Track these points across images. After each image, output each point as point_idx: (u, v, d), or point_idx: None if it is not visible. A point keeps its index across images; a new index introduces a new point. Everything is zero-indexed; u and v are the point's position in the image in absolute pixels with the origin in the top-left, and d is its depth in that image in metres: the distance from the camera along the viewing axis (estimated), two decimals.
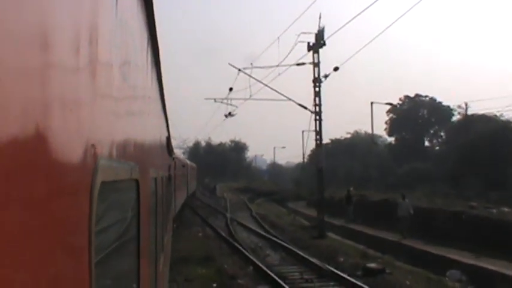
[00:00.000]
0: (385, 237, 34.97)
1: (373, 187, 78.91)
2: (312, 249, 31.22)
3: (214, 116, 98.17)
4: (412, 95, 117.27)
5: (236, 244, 32.85)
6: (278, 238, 35.68)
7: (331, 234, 38.81)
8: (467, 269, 24.98)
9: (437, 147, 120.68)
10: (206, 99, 46.93)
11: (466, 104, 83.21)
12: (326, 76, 37.50)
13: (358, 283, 21.55)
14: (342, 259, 27.46)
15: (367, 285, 21.64)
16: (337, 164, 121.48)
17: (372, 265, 24.99)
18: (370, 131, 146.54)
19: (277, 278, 22.88)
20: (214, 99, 44.85)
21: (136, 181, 3.78)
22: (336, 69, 36.36)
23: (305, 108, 38.89)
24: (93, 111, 2.25)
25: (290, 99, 39.78)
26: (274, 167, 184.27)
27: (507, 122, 79.02)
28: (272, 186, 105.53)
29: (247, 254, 29.20)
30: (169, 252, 15.11)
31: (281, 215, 56.26)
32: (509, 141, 74.11)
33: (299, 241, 34.93)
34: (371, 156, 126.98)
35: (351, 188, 59.52)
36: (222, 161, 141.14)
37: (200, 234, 38.76)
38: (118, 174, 2.91)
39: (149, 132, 6.02)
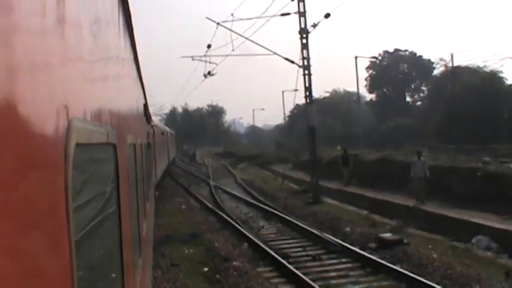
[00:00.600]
0: (389, 200, 31.40)
1: (359, 146, 75.83)
2: (310, 218, 27.70)
3: (191, 78, 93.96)
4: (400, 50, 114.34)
5: (225, 216, 29.24)
6: (270, 206, 32.15)
7: (327, 200, 35.27)
8: (495, 234, 21.38)
9: (419, 102, 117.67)
10: (183, 57, 42.94)
11: (452, 56, 78.84)
12: (315, 25, 33.67)
13: (380, 260, 18.05)
14: (348, 229, 23.89)
15: (386, 259, 18.24)
16: (317, 124, 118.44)
17: (387, 235, 21.41)
18: (349, 89, 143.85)
19: (279, 257, 19.32)
20: (192, 57, 40.82)
21: (114, 146, 3.76)
22: (327, 16, 32.51)
23: (292, 62, 35.10)
24: (64, 72, 2.24)
25: (275, 53, 35.99)
26: (253, 130, 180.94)
27: (493, 73, 75.49)
28: (253, 149, 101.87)
29: (239, 227, 25.62)
30: (152, 218, 15.14)
31: (268, 179, 52.67)
32: (498, 93, 71.00)
33: (294, 209, 31.40)
34: (352, 114, 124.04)
35: (338, 147, 56.72)
36: (200, 127, 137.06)
37: (184, 206, 35.08)
38: (93, 137, 2.82)
39: (125, 97, 5.93)
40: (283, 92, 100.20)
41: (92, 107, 2.89)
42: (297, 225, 25.43)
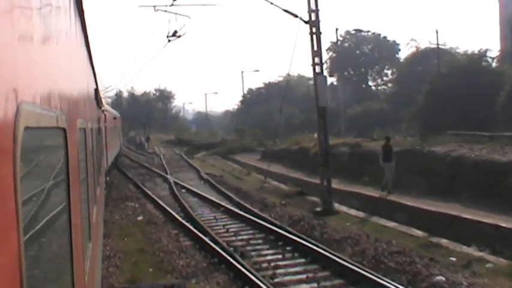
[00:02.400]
0: (446, 211, 21.40)
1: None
2: (343, 244, 17.55)
3: (139, 59, 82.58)
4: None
5: (207, 240, 18.81)
6: (266, 220, 21.88)
7: (340, 207, 25.19)
8: None
9: (382, 87, 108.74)
10: (141, 6, 31.89)
11: (437, 32, 68.99)
12: None
13: None
14: (439, 277, 13.64)
15: None
16: (273, 110, 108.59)
17: None
18: (303, 74, 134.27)
19: None
20: (154, 7, 29.83)
21: (64, 130, 3.69)
22: None
23: (295, 16, 24.60)
24: (13, 55, 2.18)
25: (272, 4, 25.30)
26: (202, 116, 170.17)
27: (482, 53, 66.28)
28: (208, 137, 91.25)
29: (240, 268, 15.19)
30: (102, 204, 15.05)
31: (239, 174, 42.15)
32: (490, 74, 61.88)
33: (306, 225, 21.13)
34: (311, 99, 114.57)
35: (315, 135, 46.76)
36: (147, 112, 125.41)
37: (140, 218, 24.56)
38: (43, 121, 2.77)
39: (75, 81, 5.84)
40: (242, 72, 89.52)
41: (41, 90, 2.84)
42: (335, 263, 15.22)
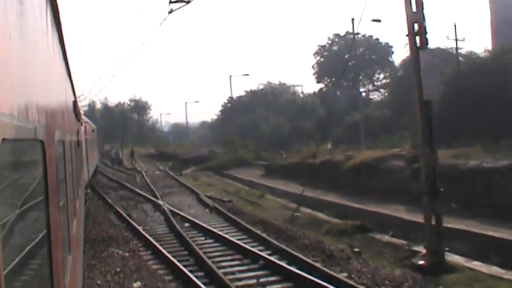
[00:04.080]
0: None
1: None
2: None
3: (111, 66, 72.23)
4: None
5: None
6: None
7: (453, 257, 15.88)
8: None
9: (374, 95, 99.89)
10: None
11: (455, 27, 59.81)
12: None
13: None
14: None
15: None
16: (257, 120, 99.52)
17: None
18: (285, 81, 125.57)
19: None
20: None
21: (42, 142, 3.66)
22: None
23: None
24: None
25: None
26: (178, 127, 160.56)
27: (506, 48, 57.51)
28: (192, 149, 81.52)
29: None
30: (82, 216, 14.93)
31: (250, 197, 32.63)
32: (506, 75, 53.12)
33: None
34: (295, 108, 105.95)
35: (329, 146, 38.17)
36: (122, 124, 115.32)
37: (138, 284, 15.06)
38: (20, 132, 2.74)
39: (53, 93, 5.75)
40: (230, 76, 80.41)
41: (19, 102, 2.80)
42: None
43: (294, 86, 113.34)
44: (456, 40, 57.05)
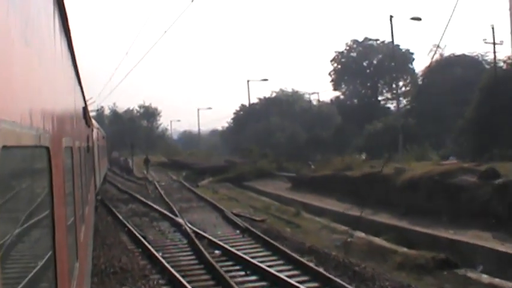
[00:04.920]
0: None
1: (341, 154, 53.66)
2: None
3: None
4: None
5: None
6: None
7: None
8: None
9: (391, 104, 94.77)
10: None
11: (493, 29, 55.05)
12: None
13: None
14: None
15: None
16: (271, 128, 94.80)
17: None
18: (298, 89, 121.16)
19: None
20: None
21: (47, 149, 3.62)
22: None
23: None
24: None
25: None
26: (188, 134, 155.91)
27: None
28: (205, 157, 76.72)
29: None
30: (91, 223, 14.68)
31: (284, 215, 27.81)
32: None
33: None
34: (311, 116, 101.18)
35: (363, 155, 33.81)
36: (131, 131, 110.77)
37: None
38: (23, 139, 2.71)
39: (61, 99, 5.76)
40: (248, 81, 75.83)
41: (22, 108, 2.78)
42: None
43: (309, 93, 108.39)
44: (494, 43, 52.09)
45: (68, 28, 6.64)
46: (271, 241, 19.81)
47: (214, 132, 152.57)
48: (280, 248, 18.58)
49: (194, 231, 22.72)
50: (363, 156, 38.97)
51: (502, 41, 50.52)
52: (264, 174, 49.20)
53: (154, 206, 32.50)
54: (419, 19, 41.62)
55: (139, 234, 22.95)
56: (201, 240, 21.08)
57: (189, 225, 24.21)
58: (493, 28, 51.11)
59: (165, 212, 29.64)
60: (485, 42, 53.11)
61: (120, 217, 28.14)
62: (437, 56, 77.03)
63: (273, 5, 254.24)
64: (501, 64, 66.07)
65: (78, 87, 10.52)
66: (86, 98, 14.57)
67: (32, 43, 3.27)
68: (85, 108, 13.33)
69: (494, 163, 25.67)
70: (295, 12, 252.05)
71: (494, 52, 50.65)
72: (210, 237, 21.49)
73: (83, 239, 7.96)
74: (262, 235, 21.07)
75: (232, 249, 18.98)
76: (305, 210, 28.38)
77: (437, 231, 19.89)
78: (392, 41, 44.83)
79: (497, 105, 48.12)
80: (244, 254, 18.24)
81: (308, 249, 18.64)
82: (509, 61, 53.97)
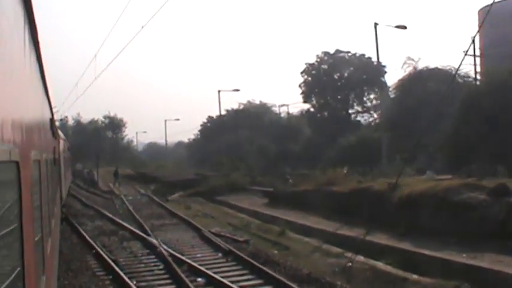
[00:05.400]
0: None
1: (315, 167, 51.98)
2: None
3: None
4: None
5: None
6: None
7: None
8: None
9: (362, 117, 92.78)
10: None
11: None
12: None
13: None
14: None
15: None
16: (240, 140, 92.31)
17: None
18: (265, 101, 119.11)
19: None
20: None
21: (17, 163, 3.60)
22: None
23: None
24: None
25: None
26: (152, 146, 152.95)
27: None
28: (174, 170, 73.83)
29: None
30: (57, 236, 14.63)
31: (269, 235, 25.18)
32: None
33: None
34: (279, 128, 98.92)
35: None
36: (95, 142, 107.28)
37: None
38: None
39: (29, 112, 5.54)
40: (219, 91, 73.35)
41: None
42: None
43: (278, 106, 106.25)
44: (474, 56, 50.32)
45: (37, 40, 6.56)
46: (261, 266, 17.27)
47: (180, 144, 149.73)
48: (273, 276, 16.04)
49: (171, 254, 20.11)
50: (345, 170, 36.66)
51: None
52: (237, 188, 46.69)
53: (124, 223, 29.76)
54: (404, 27, 39.51)
55: (109, 257, 20.23)
56: (180, 265, 18.49)
57: (164, 247, 21.56)
58: (473, 40, 49.23)
59: (136, 230, 26.93)
60: (468, 55, 51.17)
61: (87, 236, 25.37)
62: (410, 69, 75.54)
63: (242, 17, 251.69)
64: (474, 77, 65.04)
65: (46, 99, 10.33)
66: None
67: (2, 57, 3.21)
68: (52, 120, 13.17)
69: (497, 179, 23.73)
70: (264, 24, 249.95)
71: (475, 65, 48.65)
72: (190, 262, 18.88)
73: (49, 253, 7.81)
74: (249, 259, 18.52)
75: (217, 277, 16.40)
76: (290, 229, 25.85)
77: (449, 254, 17.56)
78: (377, 49, 42.52)
79: (477, 119, 46.38)
80: (232, 282, 15.71)
81: (305, 276, 16.15)
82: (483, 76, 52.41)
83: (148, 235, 25.16)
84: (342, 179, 32.66)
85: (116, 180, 58.63)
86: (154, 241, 23.16)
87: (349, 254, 18.99)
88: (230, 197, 42.97)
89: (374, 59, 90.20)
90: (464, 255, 17.25)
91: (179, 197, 46.78)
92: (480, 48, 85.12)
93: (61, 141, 24.93)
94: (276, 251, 20.64)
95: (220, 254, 20.56)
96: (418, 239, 20.19)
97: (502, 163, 37.08)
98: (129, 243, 24.26)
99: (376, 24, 39.61)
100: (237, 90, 76.51)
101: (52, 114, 13.83)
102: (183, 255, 20.23)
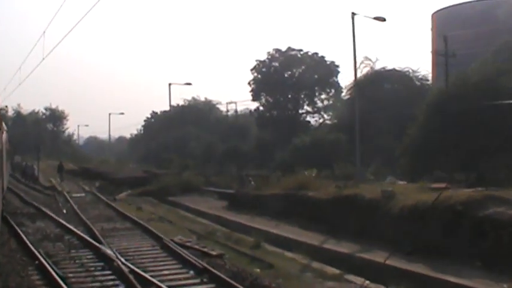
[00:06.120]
0: None
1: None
2: None
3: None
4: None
5: None
6: None
7: None
8: None
9: (313, 118, 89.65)
10: None
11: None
12: None
13: None
14: None
15: None
16: (186, 137, 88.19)
17: None
18: (212, 97, 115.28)
19: None
20: None
21: None
22: None
23: None
24: None
25: None
26: (93, 140, 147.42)
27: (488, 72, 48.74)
28: (118, 166, 69.41)
29: None
30: None
31: (243, 247, 21.41)
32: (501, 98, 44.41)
33: None
34: (226, 126, 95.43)
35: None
36: (35, 134, 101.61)
37: None
38: None
39: None
40: (169, 84, 69.27)
41: None
42: None
43: (221, 103, 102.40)
44: (447, 56, 47.70)
45: None
46: None
47: (121, 139, 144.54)
48: None
49: (132, 270, 16.32)
50: (313, 173, 33.41)
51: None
52: (190, 188, 42.99)
53: (69, 225, 25.73)
54: (383, 19, 36.33)
55: (56, 272, 16.30)
56: (146, 285, 14.75)
57: (122, 259, 17.76)
58: (445, 40, 46.76)
59: (85, 235, 22.95)
60: (440, 55, 48.71)
61: (27, 242, 21.31)
62: (368, 69, 72.84)
63: (195, 11, 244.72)
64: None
65: None
66: None
67: None
68: None
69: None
70: (215, 18, 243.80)
71: (447, 65, 45.97)
72: (157, 282, 15.11)
73: None
74: (231, 281, 14.86)
75: None
76: (264, 240, 22.26)
77: (484, 284, 14.30)
78: (354, 42, 38.72)
79: (446, 123, 43.75)
80: None
81: None
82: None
83: (100, 242, 21.25)
84: (314, 183, 29.29)
85: (61, 176, 53.60)
86: (108, 251, 19.32)
87: (350, 277, 15.52)
88: (184, 198, 39.23)
89: (327, 58, 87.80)
90: (505, 285, 14.02)
91: (127, 196, 42.65)
92: (433, 58, 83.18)
93: (4, 133, 23.57)
94: (258, 269, 17.01)
95: (192, 272, 16.82)
96: (431, 259, 16.94)
97: (472, 170, 34.65)
98: (78, 252, 20.32)
99: (353, 14, 35.88)
100: (189, 84, 72.33)
101: None
102: (146, 271, 16.48)
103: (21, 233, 23.52)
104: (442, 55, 49.89)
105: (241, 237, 23.37)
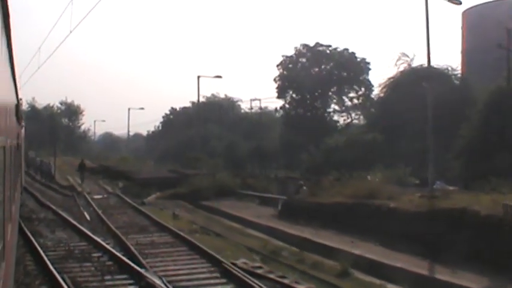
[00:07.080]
0: None
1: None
2: None
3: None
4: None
5: None
6: None
7: None
8: None
9: (342, 116, 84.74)
10: None
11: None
12: None
13: None
14: None
15: None
16: (207, 135, 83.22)
17: None
18: (231, 95, 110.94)
19: None
20: None
21: None
22: None
23: None
24: None
25: None
26: (108, 137, 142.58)
27: None
28: (138, 164, 64.40)
29: None
30: (16, 222, 14.14)
31: (325, 274, 16.46)
32: None
33: None
34: (249, 124, 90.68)
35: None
36: (50, 129, 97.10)
37: None
38: None
39: None
40: (198, 77, 64.38)
41: None
42: None
43: (251, 100, 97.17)
44: (508, 50, 42.54)
45: (9, 25, 6.48)
46: None
47: (137, 136, 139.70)
48: None
49: None
50: (377, 178, 28.46)
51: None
52: (225, 191, 38.04)
53: (96, 238, 20.88)
54: (459, 3, 31.10)
55: None
56: None
57: None
58: (508, 33, 41.72)
59: (118, 254, 18.01)
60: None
61: (47, 261, 16.47)
62: (405, 66, 67.93)
63: (220, 5, 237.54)
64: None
65: (13, 84, 9.96)
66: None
67: None
68: (17, 106, 12.50)
69: None
70: (241, 12, 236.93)
71: (508, 61, 40.96)
72: None
73: (9, 239, 7.55)
74: None
75: None
76: (348, 264, 17.25)
77: None
78: (428, 25, 33.58)
79: (506, 124, 39.08)
80: None
81: None
82: None
83: (140, 264, 16.35)
84: (384, 190, 24.34)
85: (82, 176, 48.09)
86: (156, 281, 14.39)
87: None
88: (221, 203, 34.30)
89: (358, 54, 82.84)
90: None
91: (156, 199, 37.68)
92: (463, 57, 78.43)
93: (22, 129, 23.07)
94: None
95: None
96: None
97: None
98: (115, 278, 15.43)
99: None
100: (219, 77, 67.04)
101: (18, 100, 13.19)
102: None
103: (38, 247, 18.75)
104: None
105: (317, 259, 18.34)
